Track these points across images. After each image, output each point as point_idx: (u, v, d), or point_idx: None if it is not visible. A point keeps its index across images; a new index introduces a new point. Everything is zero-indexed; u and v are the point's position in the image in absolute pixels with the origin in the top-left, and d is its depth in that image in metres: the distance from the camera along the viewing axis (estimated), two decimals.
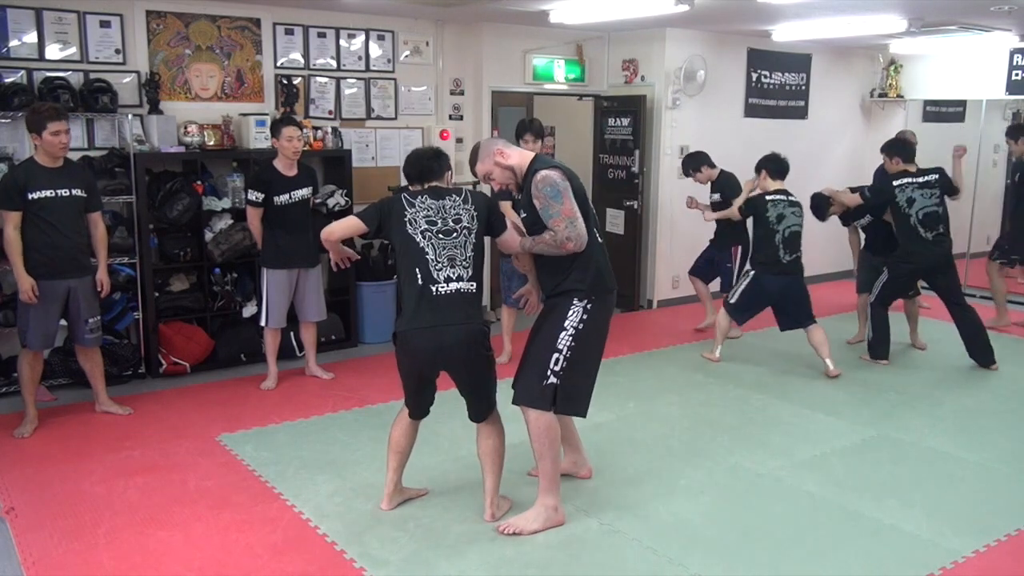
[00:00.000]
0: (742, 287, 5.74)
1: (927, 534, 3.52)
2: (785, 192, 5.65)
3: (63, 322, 4.59)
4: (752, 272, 5.69)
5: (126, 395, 5.00)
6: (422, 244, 3.28)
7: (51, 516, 3.58)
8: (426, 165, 3.48)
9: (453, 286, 3.27)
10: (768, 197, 5.61)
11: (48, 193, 4.34)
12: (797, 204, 5.64)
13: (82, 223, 4.54)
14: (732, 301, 5.80)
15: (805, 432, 4.66)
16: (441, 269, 3.27)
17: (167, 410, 4.89)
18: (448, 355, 3.31)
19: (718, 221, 6.36)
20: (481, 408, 3.48)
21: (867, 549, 3.40)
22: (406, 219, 3.31)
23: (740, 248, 6.31)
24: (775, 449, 4.40)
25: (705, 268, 6.69)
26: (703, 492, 3.90)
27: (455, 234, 3.31)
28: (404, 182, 3.68)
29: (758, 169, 5.78)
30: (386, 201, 3.41)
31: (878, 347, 5.92)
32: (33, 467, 4.08)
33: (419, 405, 3.53)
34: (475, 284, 3.33)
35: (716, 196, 6.39)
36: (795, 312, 5.67)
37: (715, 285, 7.71)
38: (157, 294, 5.48)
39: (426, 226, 3.30)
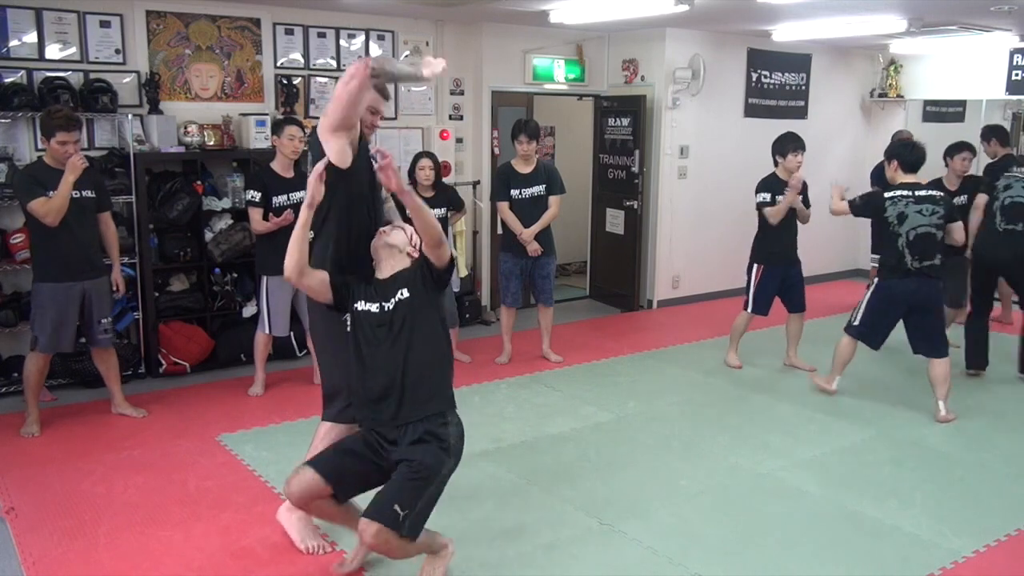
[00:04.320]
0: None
1: (927, 534, 3.53)
2: (913, 187, 4.80)
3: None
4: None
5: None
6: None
7: (51, 516, 3.58)
8: None
9: None
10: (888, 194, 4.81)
11: None
12: (930, 200, 4.75)
13: (93, 224, 4.54)
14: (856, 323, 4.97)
15: (805, 432, 4.66)
16: None
17: (167, 410, 4.89)
18: None
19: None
20: None
21: (867, 549, 3.40)
22: None
23: None
24: (775, 449, 4.40)
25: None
26: (703, 492, 3.90)
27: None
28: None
29: (888, 158, 5.01)
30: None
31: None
32: (33, 467, 4.08)
33: None
34: None
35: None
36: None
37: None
38: (157, 294, 5.47)
39: None
